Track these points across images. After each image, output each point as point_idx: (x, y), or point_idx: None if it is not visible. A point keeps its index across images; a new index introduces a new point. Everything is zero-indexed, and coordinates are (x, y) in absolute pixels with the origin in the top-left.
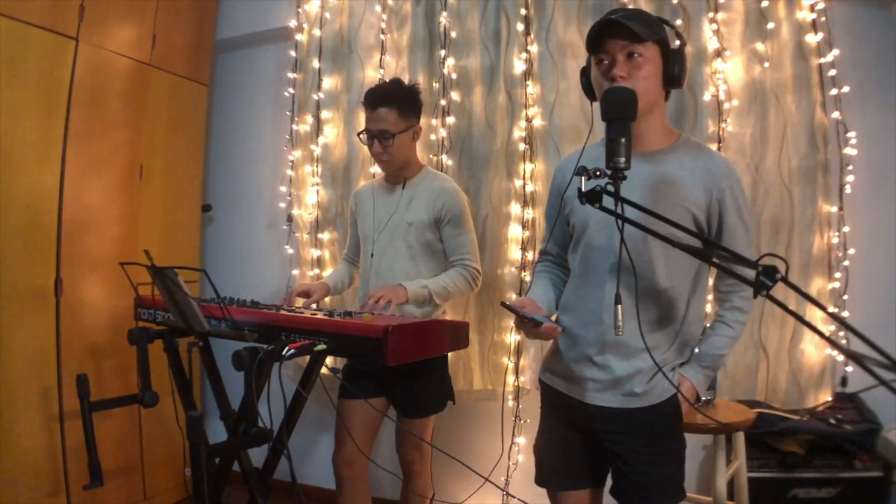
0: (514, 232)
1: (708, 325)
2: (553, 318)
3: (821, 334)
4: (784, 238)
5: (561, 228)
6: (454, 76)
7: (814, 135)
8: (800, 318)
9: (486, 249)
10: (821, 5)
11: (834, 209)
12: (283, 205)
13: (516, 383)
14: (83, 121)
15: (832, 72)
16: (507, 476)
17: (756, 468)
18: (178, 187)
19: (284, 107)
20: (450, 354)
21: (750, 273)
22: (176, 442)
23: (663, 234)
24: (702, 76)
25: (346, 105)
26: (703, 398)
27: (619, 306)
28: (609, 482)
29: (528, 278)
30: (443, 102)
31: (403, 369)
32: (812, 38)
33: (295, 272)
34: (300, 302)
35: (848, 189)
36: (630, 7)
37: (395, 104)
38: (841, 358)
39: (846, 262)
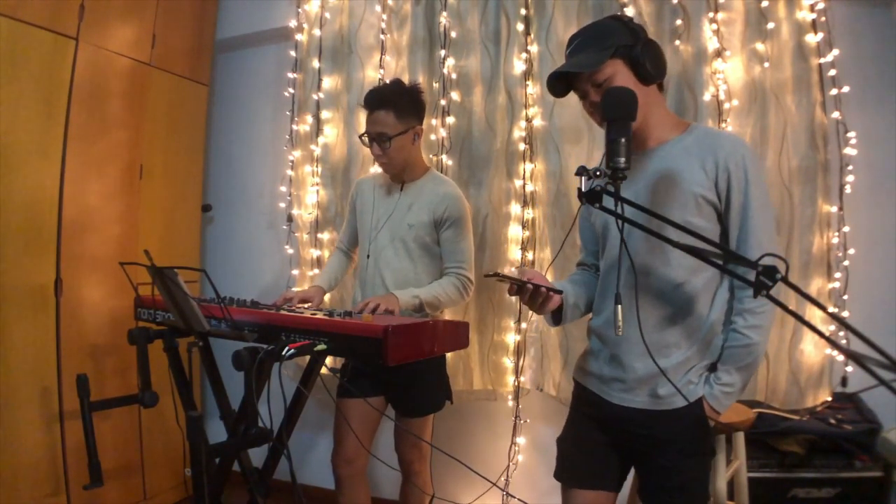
0: (514, 232)
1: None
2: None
3: (821, 334)
4: (784, 238)
5: (590, 236)
6: (454, 76)
7: (814, 135)
8: (800, 318)
9: (486, 250)
10: (821, 5)
11: (834, 209)
12: (283, 205)
13: (516, 383)
14: (83, 121)
15: (832, 72)
16: (507, 476)
17: (756, 468)
18: (178, 187)
19: (284, 107)
20: (450, 354)
21: (749, 273)
22: (176, 442)
23: (664, 234)
24: (702, 76)
25: (346, 105)
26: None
27: (619, 306)
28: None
29: None
30: (443, 102)
31: (401, 369)
32: (812, 38)
33: (295, 272)
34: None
35: (848, 189)
36: (584, 27)
37: (392, 106)
38: (841, 358)
39: (846, 262)
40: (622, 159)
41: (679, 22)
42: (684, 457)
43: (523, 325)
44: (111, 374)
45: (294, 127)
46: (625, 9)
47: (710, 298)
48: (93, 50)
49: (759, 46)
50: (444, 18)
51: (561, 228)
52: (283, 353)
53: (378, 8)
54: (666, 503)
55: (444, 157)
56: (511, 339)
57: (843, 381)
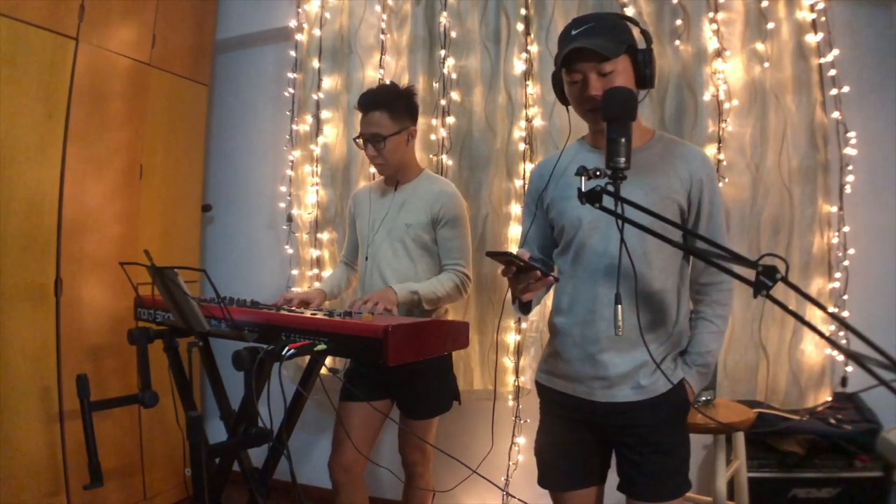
0: (514, 232)
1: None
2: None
3: (821, 334)
4: (784, 238)
5: (539, 230)
6: (454, 76)
7: (814, 135)
8: (800, 318)
9: (486, 249)
10: (821, 5)
11: (834, 209)
12: (282, 205)
13: (516, 383)
14: (83, 121)
15: (832, 72)
16: (507, 476)
17: (756, 468)
18: (178, 187)
19: (284, 107)
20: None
21: (749, 272)
22: (176, 442)
23: (661, 234)
24: (702, 76)
25: (346, 105)
26: (703, 398)
27: (620, 306)
28: (610, 479)
29: None
30: (443, 102)
31: (408, 370)
32: (812, 38)
33: (295, 272)
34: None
35: (848, 189)
36: (596, 14)
37: (386, 107)
38: (841, 358)
39: (846, 262)
40: (622, 159)
41: (679, 22)
42: (665, 440)
43: (523, 325)
44: (111, 374)
45: (294, 127)
46: (625, 9)
47: (677, 297)
48: (93, 50)
49: (759, 46)
50: (444, 18)
51: None
52: (283, 353)
53: (378, 8)
54: (651, 490)
55: (444, 157)
56: (511, 338)
57: (843, 381)
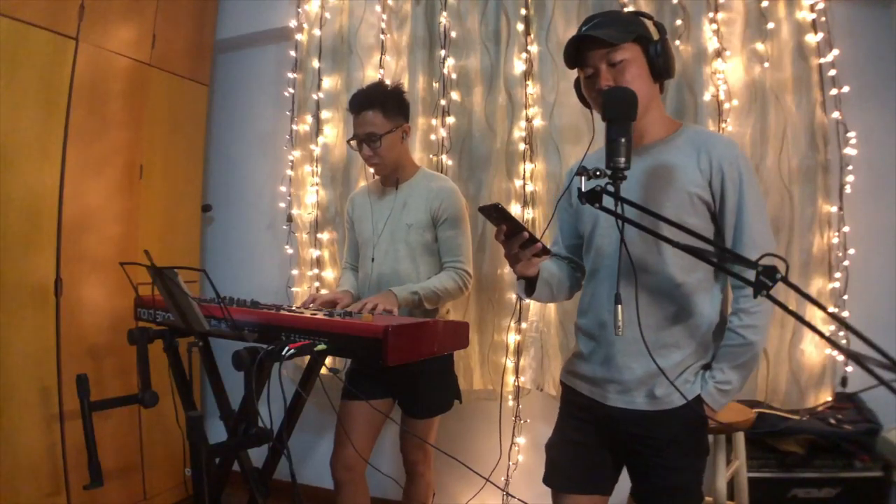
0: None
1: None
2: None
3: (821, 334)
4: (784, 238)
5: (570, 229)
6: (454, 76)
7: (814, 135)
8: (800, 318)
9: (486, 250)
10: (821, 5)
11: (834, 209)
12: (282, 205)
13: (516, 383)
14: (83, 121)
15: (832, 72)
16: (507, 476)
17: (756, 468)
18: (178, 187)
19: (284, 107)
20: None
21: (749, 272)
22: (176, 442)
23: (662, 234)
24: (702, 76)
25: (346, 105)
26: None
27: (620, 306)
28: (615, 489)
29: None
30: (443, 102)
31: (409, 370)
32: (812, 38)
33: (295, 272)
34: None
35: (848, 189)
36: (605, 11)
37: (379, 106)
38: (841, 358)
39: (846, 262)
40: (622, 159)
41: (679, 22)
42: (681, 456)
43: (523, 325)
44: (111, 374)
45: (294, 127)
46: (625, 8)
47: (707, 298)
48: (93, 50)
49: (759, 46)
50: (444, 18)
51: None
52: (283, 353)
53: (378, 8)
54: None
55: (444, 157)
56: (511, 338)
57: (843, 381)
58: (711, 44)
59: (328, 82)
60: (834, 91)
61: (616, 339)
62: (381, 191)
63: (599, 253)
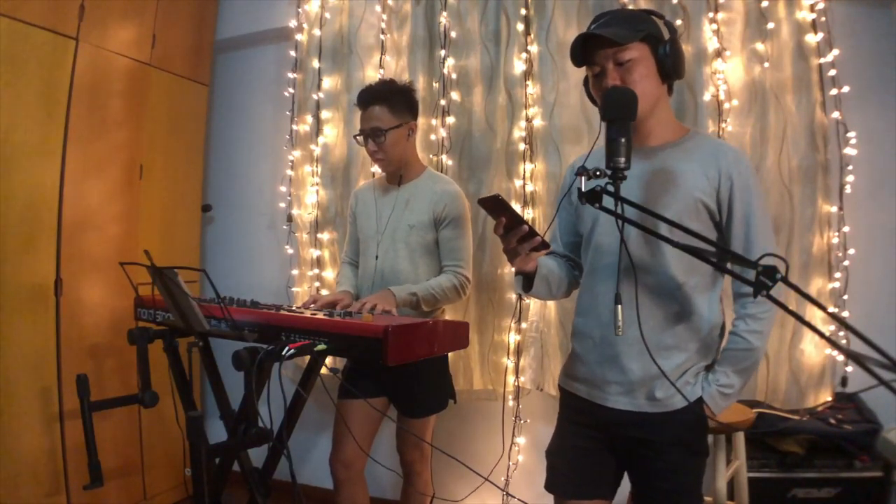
0: None
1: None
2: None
3: (821, 334)
4: (784, 238)
5: (567, 227)
6: (454, 76)
7: (814, 135)
8: (800, 318)
9: (486, 250)
10: (821, 5)
11: (834, 209)
12: (283, 205)
13: (516, 383)
14: (83, 121)
15: (832, 72)
16: (507, 476)
17: (756, 468)
18: (178, 187)
19: (284, 107)
20: (450, 354)
21: (749, 272)
22: (176, 442)
23: (664, 233)
24: (702, 76)
25: (346, 105)
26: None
27: (620, 306)
28: (618, 492)
29: None
30: (443, 102)
31: (404, 369)
32: (812, 38)
33: (295, 272)
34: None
35: (848, 189)
36: (614, 9)
37: (385, 101)
38: (841, 358)
39: (846, 262)
40: (622, 159)
41: (679, 22)
42: (681, 458)
43: (523, 325)
44: (111, 374)
45: (294, 127)
46: (627, 8)
47: (706, 300)
48: (93, 50)
49: (759, 46)
50: (444, 18)
51: None
52: (283, 353)
53: (378, 8)
54: None
55: (444, 157)
56: (511, 338)
57: (843, 381)
58: (711, 44)
59: (328, 82)
60: (834, 91)
61: (616, 339)
62: (385, 188)
63: (599, 252)
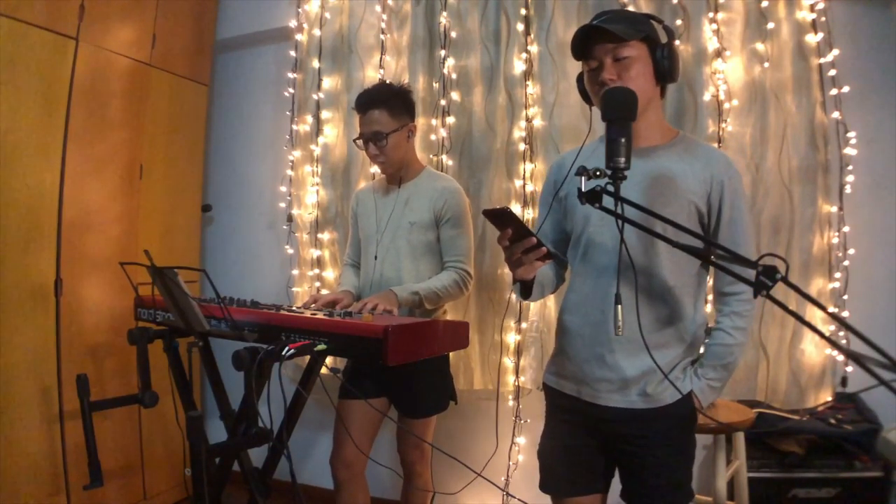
0: None
1: (710, 327)
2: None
3: (821, 334)
4: (784, 238)
5: (553, 224)
6: (454, 76)
7: (814, 135)
8: (800, 318)
9: (486, 250)
10: (821, 5)
11: (834, 209)
12: (283, 205)
13: (516, 383)
14: (83, 121)
15: (832, 72)
16: (507, 476)
17: (756, 468)
18: (178, 187)
19: (284, 107)
20: (450, 354)
21: (750, 273)
22: (176, 442)
23: (663, 234)
24: (702, 76)
25: (346, 105)
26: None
27: (620, 306)
28: (615, 485)
29: None
30: (443, 102)
31: (404, 369)
32: (812, 38)
33: (295, 272)
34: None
35: (848, 189)
36: (617, 8)
37: (385, 105)
38: (841, 358)
39: (846, 262)
40: (622, 159)
41: (679, 22)
42: (673, 453)
43: (523, 325)
44: (111, 374)
45: (294, 127)
46: (626, 9)
47: (692, 300)
48: (93, 50)
49: (759, 46)
50: (444, 18)
51: None
52: (283, 353)
53: (378, 8)
54: (653, 501)
55: (444, 157)
56: (511, 338)
57: (843, 381)
58: (711, 44)
59: (328, 82)
60: (834, 91)
61: (607, 337)
62: (385, 188)
63: (592, 251)
